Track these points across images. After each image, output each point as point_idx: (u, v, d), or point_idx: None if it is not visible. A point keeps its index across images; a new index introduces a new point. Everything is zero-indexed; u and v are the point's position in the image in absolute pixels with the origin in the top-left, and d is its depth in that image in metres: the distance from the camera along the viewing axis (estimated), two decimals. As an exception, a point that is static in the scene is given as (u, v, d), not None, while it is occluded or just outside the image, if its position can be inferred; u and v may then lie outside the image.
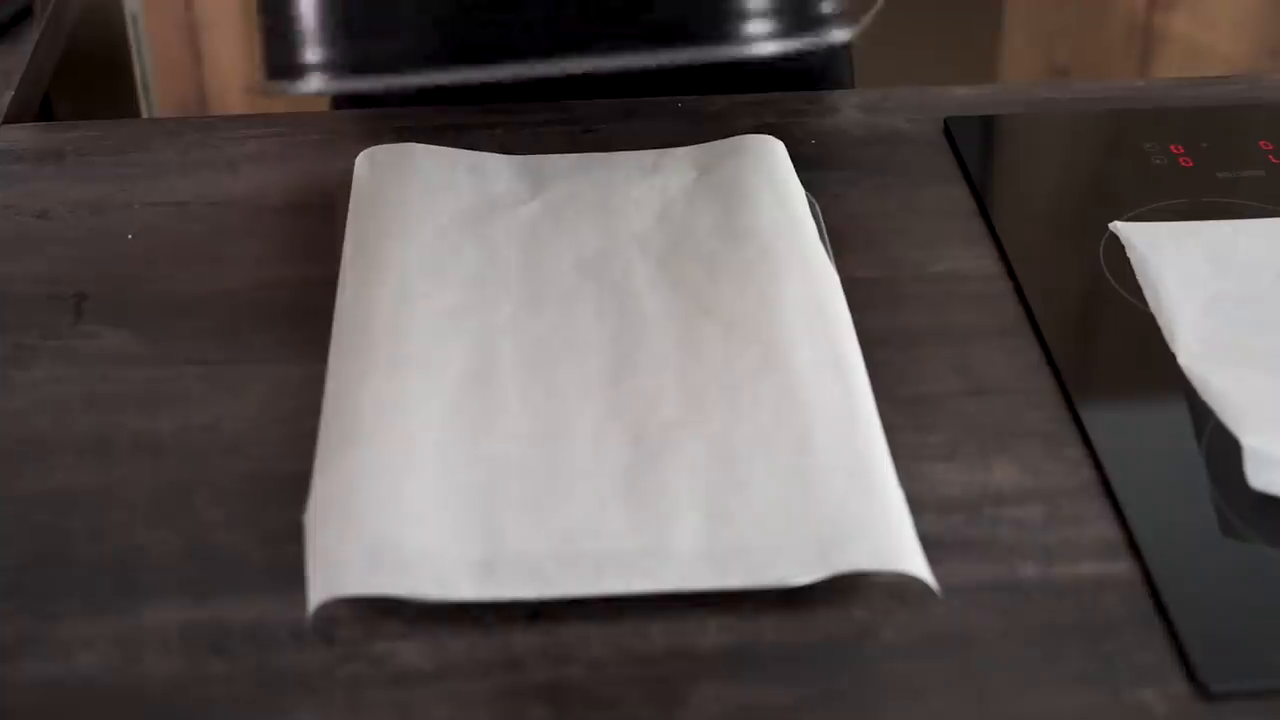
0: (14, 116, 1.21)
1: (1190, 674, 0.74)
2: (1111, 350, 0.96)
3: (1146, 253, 1.01)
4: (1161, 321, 0.95)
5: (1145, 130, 1.15)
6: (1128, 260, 1.01)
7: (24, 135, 1.15)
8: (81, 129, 1.16)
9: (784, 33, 1.07)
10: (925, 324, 0.96)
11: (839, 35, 1.06)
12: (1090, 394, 0.90)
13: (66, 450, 0.87)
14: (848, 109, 1.17)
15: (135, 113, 1.93)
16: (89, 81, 1.63)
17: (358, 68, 1.07)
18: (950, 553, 0.80)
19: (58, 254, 1.02)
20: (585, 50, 1.06)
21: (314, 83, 1.07)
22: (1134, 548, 0.81)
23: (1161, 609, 0.77)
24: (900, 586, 0.78)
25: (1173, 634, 0.76)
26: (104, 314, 0.96)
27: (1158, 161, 1.12)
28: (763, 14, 1.08)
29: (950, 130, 1.15)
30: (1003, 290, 0.99)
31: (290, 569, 0.79)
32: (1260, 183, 1.09)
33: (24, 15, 1.32)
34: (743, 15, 1.09)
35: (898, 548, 0.77)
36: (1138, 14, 2.42)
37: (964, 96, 1.20)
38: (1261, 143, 1.13)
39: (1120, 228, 1.04)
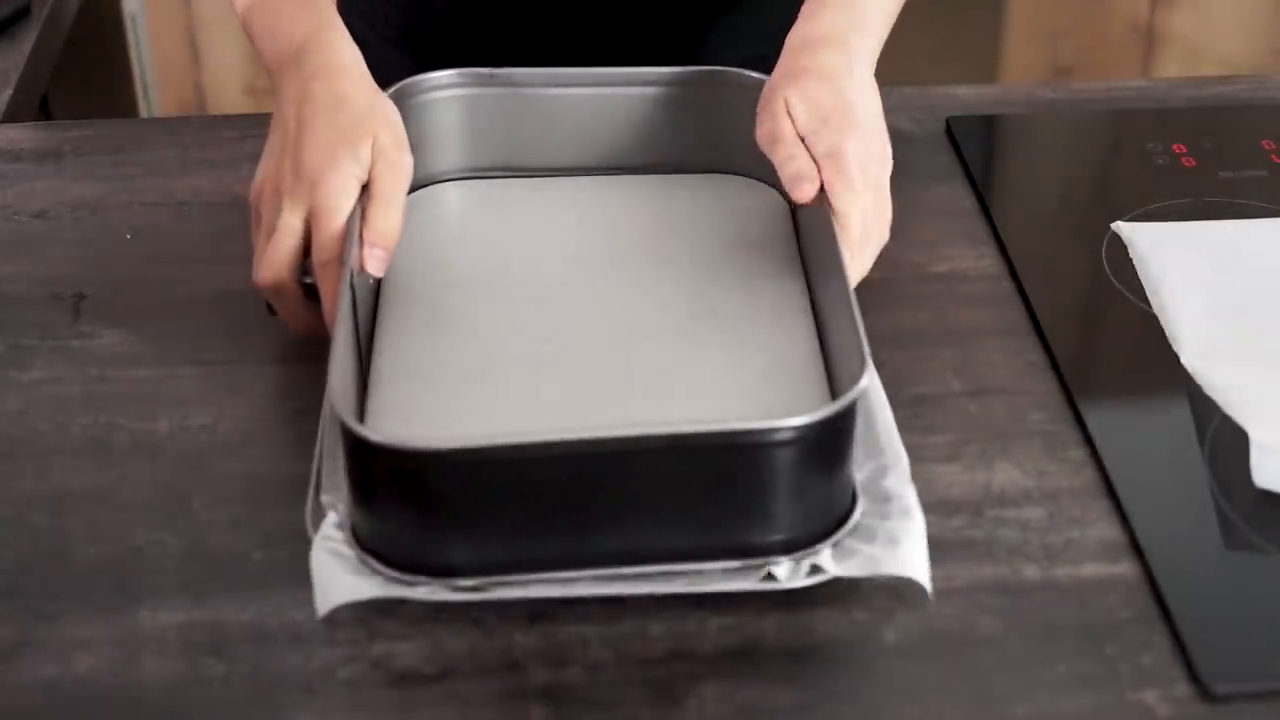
0: (12, 116, 1.21)
1: (1193, 675, 0.74)
2: (1114, 351, 0.96)
3: (1149, 253, 1.01)
4: (1164, 321, 0.95)
5: (1147, 130, 1.15)
6: (1130, 260, 1.01)
7: (22, 135, 1.15)
8: (80, 128, 1.16)
9: None
10: (927, 324, 0.96)
11: None
12: (1092, 395, 0.90)
13: (64, 451, 0.86)
14: (849, 109, 1.17)
15: (134, 112, 1.93)
16: (88, 81, 1.64)
17: None
18: (952, 553, 0.80)
19: (56, 254, 1.02)
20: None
21: None
22: (1136, 549, 0.80)
23: (1164, 610, 0.77)
24: (901, 587, 0.78)
25: (1175, 635, 0.76)
26: (102, 314, 0.96)
27: (1160, 161, 1.11)
28: None
29: (952, 130, 1.14)
30: (1004, 290, 0.99)
31: (289, 570, 0.78)
32: (1263, 182, 1.09)
33: (22, 14, 1.32)
34: None
35: (895, 553, 0.77)
36: (1140, 14, 2.41)
37: (966, 96, 1.20)
38: (1264, 142, 1.13)
39: (1122, 228, 1.04)
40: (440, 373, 0.88)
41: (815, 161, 0.90)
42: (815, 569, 0.76)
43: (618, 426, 0.77)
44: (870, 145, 0.91)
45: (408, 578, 0.76)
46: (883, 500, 0.79)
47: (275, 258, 0.88)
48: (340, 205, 0.87)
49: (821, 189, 0.90)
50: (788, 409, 0.81)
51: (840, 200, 0.88)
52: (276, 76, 0.96)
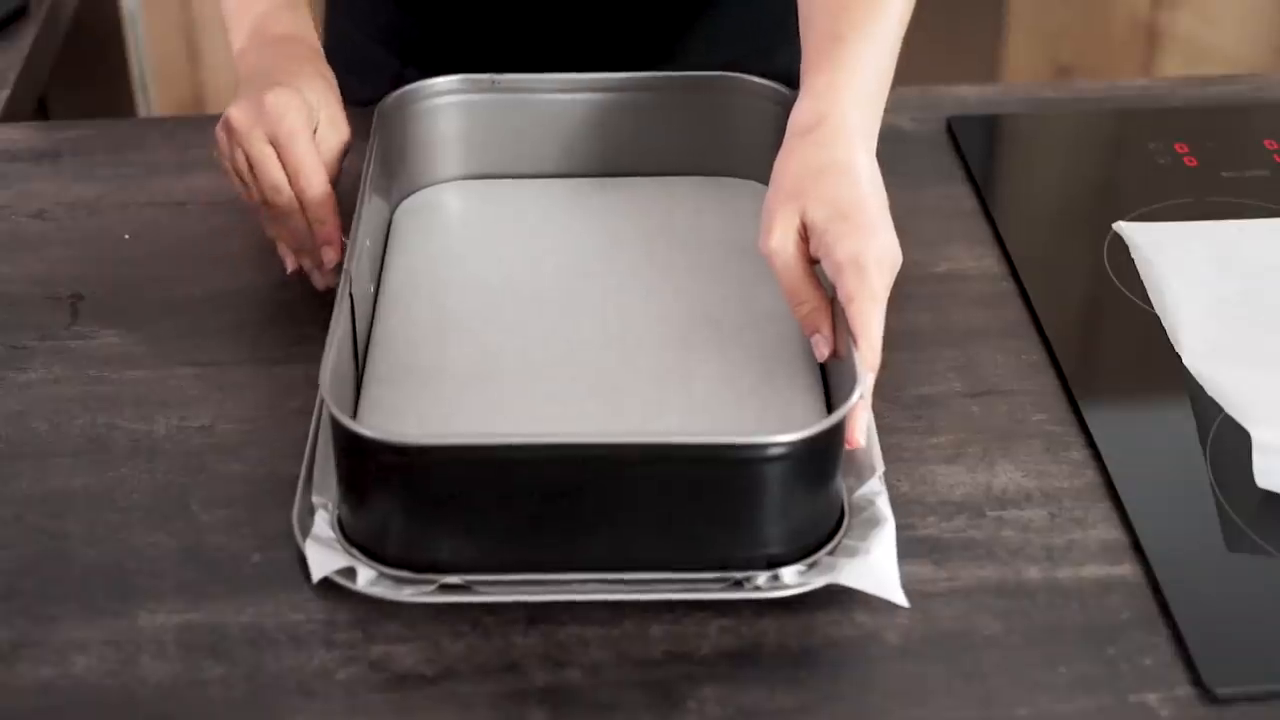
0: (10, 115, 1.20)
1: (1195, 677, 0.74)
2: (1115, 351, 0.96)
3: (1150, 253, 1.01)
4: (1166, 322, 0.95)
5: (1149, 130, 1.15)
6: (1132, 260, 1.01)
7: (20, 134, 1.15)
8: (78, 128, 1.15)
9: None
10: (928, 324, 0.96)
11: None
12: (1094, 395, 0.90)
13: (63, 452, 0.86)
14: (849, 108, 1.17)
15: (132, 112, 1.93)
16: (86, 81, 1.63)
17: None
18: (953, 554, 0.80)
19: (54, 254, 1.02)
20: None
21: None
22: (1138, 550, 0.80)
23: (1166, 612, 0.77)
24: (901, 588, 0.77)
25: (1177, 637, 0.75)
26: (100, 314, 0.96)
27: (1162, 161, 1.11)
28: None
29: (953, 130, 1.14)
30: (1006, 290, 0.99)
31: (288, 572, 0.78)
32: (1265, 182, 1.09)
33: (20, 14, 1.31)
34: None
35: (873, 572, 0.77)
36: (1141, 13, 2.41)
37: (967, 96, 1.20)
38: (1266, 142, 1.13)
39: (1124, 228, 1.03)
40: (435, 376, 0.87)
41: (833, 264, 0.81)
42: (778, 579, 0.77)
43: (607, 433, 0.77)
44: (885, 249, 0.82)
45: (395, 573, 0.76)
46: (857, 509, 0.79)
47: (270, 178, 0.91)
48: (295, 129, 0.91)
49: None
50: (782, 419, 0.81)
51: (862, 315, 0.79)
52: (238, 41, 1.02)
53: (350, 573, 0.77)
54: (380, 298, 0.94)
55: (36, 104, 1.31)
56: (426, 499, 0.75)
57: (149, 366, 0.92)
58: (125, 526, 0.81)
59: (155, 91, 2.31)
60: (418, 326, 0.91)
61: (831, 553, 0.77)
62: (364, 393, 0.86)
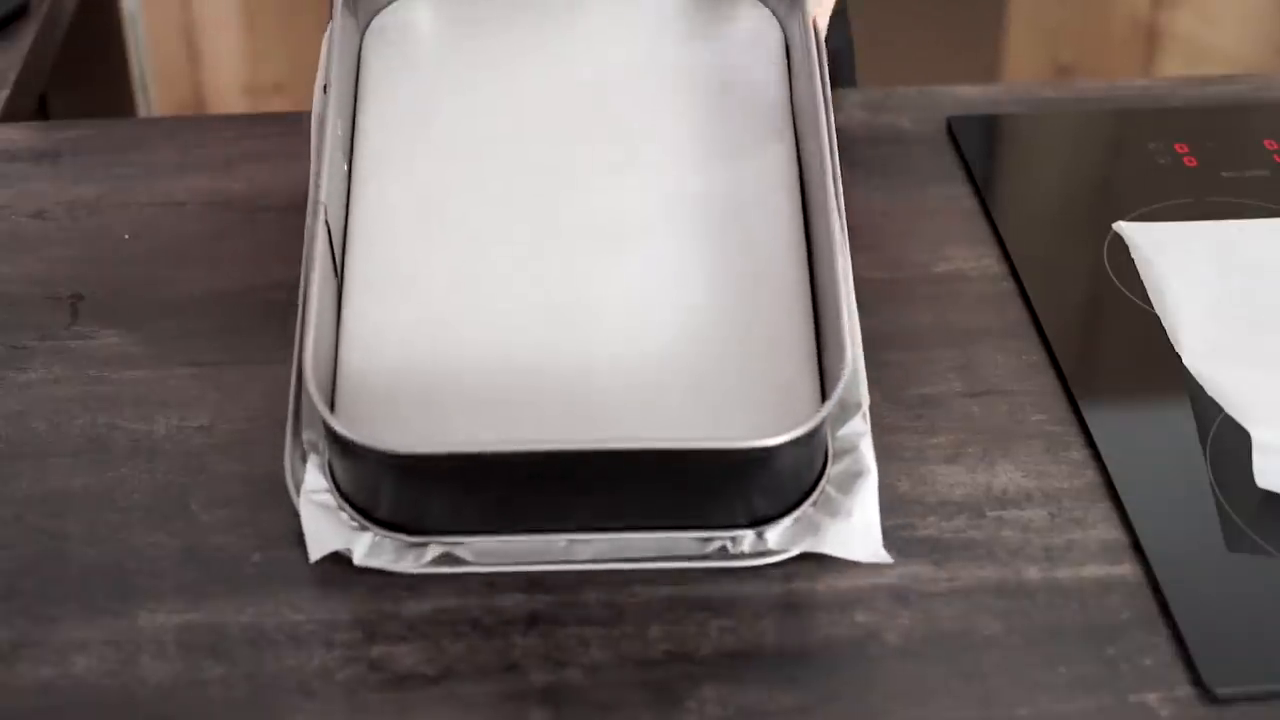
0: (10, 115, 1.20)
1: (1195, 677, 0.74)
2: (1115, 351, 0.96)
3: (1151, 253, 1.01)
4: (1166, 322, 0.95)
5: (1149, 129, 1.15)
6: (1132, 260, 1.01)
7: (20, 134, 1.15)
8: (78, 128, 1.15)
9: None
10: (928, 324, 0.96)
11: None
12: (1094, 395, 0.90)
13: (62, 452, 0.86)
14: (850, 108, 1.17)
15: (132, 112, 1.93)
16: (86, 80, 1.63)
17: None
18: (953, 554, 0.80)
19: (54, 254, 1.02)
20: None
21: None
22: (1138, 550, 0.80)
23: (1166, 612, 0.77)
24: (902, 589, 0.78)
25: (1177, 637, 0.75)
26: (100, 315, 0.96)
27: (1162, 161, 1.11)
28: None
29: (953, 130, 1.14)
30: (1006, 290, 0.99)
31: (288, 571, 0.78)
32: (1265, 182, 1.09)
33: (20, 13, 1.31)
34: None
35: (855, 535, 0.77)
36: (1141, 12, 2.41)
37: (967, 96, 1.20)
38: (1266, 142, 1.13)
39: (1124, 228, 1.03)
40: (415, 285, 0.86)
41: None
42: (762, 542, 0.78)
43: (600, 439, 0.77)
44: None
45: (391, 536, 0.78)
46: (840, 453, 0.79)
47: None
48: None
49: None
50: (776, 392, 0.81)
51: None
52: None
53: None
54: (355, 161, 0.91)
55: (36, 104, 1.31)
56: (420, 494, 0.77)
57: (149, 366, 0.92)
58: (125, 526, 0.82)
59: (155, 91, 2.31)
60: (397, 213, 0.89)
61: (814, 504, 0.78)
62: (345, 303, 0.85)
